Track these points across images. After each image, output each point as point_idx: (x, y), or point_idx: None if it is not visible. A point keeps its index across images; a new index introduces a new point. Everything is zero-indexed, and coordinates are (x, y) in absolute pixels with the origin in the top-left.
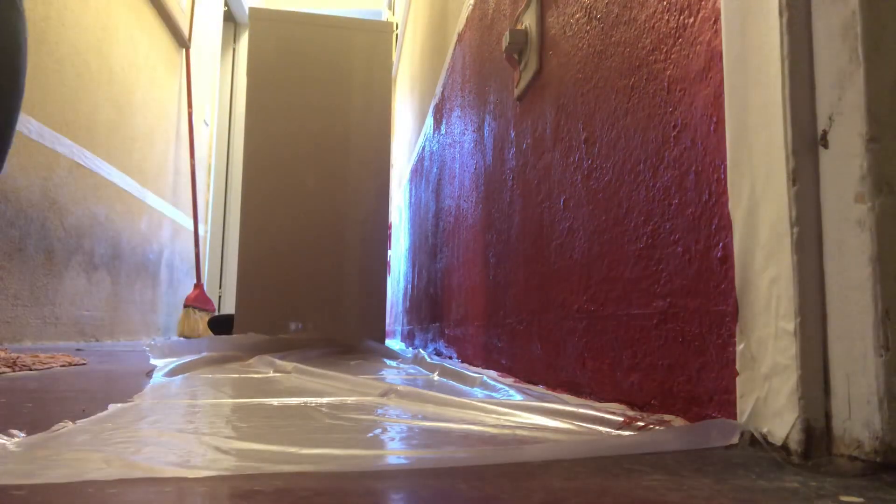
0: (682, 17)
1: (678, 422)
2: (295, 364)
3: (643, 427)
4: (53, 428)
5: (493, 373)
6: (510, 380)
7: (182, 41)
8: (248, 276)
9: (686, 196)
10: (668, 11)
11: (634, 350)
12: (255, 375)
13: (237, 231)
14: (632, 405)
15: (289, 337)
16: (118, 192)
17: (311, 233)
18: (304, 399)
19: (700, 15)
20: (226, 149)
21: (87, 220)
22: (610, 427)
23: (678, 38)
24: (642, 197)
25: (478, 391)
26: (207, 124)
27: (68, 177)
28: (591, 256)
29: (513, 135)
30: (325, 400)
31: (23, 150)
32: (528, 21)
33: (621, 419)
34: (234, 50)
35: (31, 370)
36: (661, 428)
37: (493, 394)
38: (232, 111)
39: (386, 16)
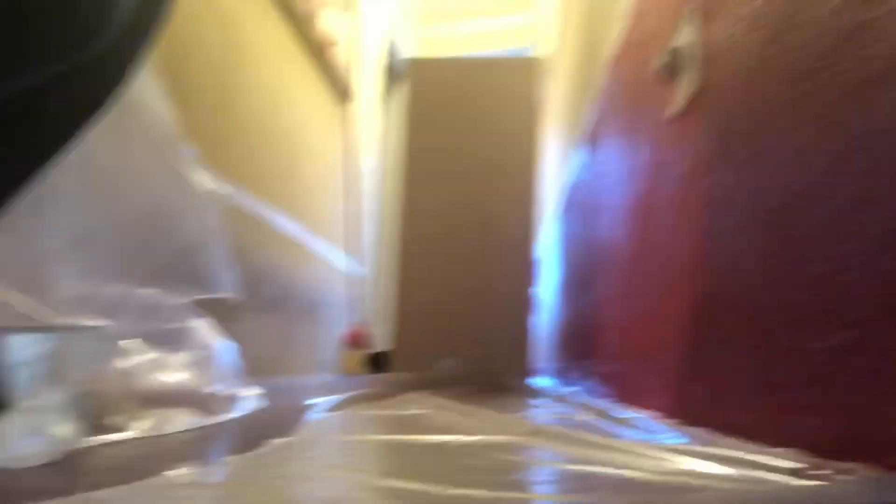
0: (862, 14)
1: (865, 471)
2: (443, 401)
3: (823, 476)
4: (215, 462)
5: (650, 413)
6: (669, 421)
7: (345, 95)
8: (403, 316)
9: (874, 212)
10: (844, 9)
11: (813, 388)
12: (405, 412)
13: (392, 271)
14: (809, 451)
15: (438, 374)
16: (288, 239)
17: (462, 270)
18: (451, 437)
19: (885, 7)
20: (384, 193)
21: (262, 266)
22: (784, 475)
23: (858, 37)
24: (818, 216)
25: (633, 433)
26: (368, 171)
27: (247, 227)
28: (760, 284)
29: (670, 158)
30: (471, 438)
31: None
32: (685, 37)
33: (797, 467)
34: (392, 100)
35: None
36: (845, 478)
37: (651, 436)
38: (390, 158)
39: (533, 51)
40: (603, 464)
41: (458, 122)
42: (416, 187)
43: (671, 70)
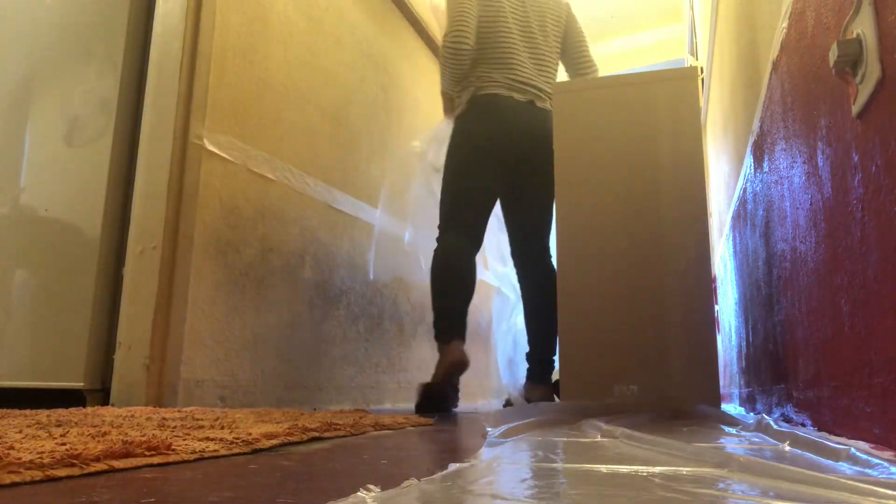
0: None
1: None
2: (622, 429)
3: None
4: (402, 485)
5: (862, 444)
6: (889, 453)
7: None
8: (569, 341)
9: None
10: None
11: None
12: (583, 440)
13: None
14: None
15: (615, 401)
16: None
17: (629, 294)
18: (635, 467)
19: None
20: None
21: (427, 296)
22: None
23: None
24: None
25: (844, 466)
26: None
27: (412, 260)
28: None
29: (856, 158)
30: (657, 469)
31: (378, 247)
32: (861, 27)
33: None
34: None
35: (389, 429)
36: None
37: (867, 470)
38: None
39: (688, 62)
40: (813, 501)
41: (613, 143)
42: (572, 211)
43: (847, 65)
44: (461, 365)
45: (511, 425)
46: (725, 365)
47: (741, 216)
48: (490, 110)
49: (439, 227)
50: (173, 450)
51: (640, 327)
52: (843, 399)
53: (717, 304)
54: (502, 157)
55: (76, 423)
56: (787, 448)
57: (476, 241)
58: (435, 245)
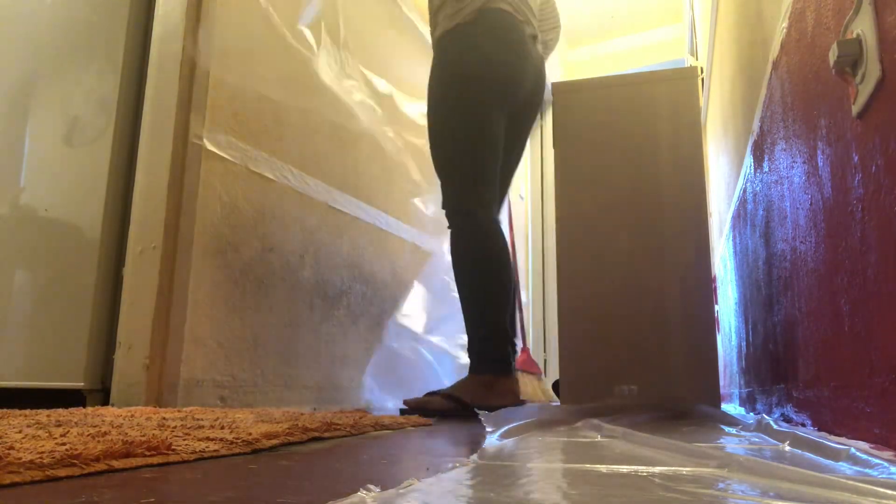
0: None
1: None
2: (623, 429)
3: None
4: (402, 485)
5: (862, 444)
6: (889, 453)
7: None
8: (570, 341)
9: None
10: None
11: None
12: (583, 440)
13: (555, 296)
14: None
15: (615, 401)
16: None
17: (629, 293)
18: (635, 467)
19: None
20: (540, 219)
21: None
22: None
23: None
24: None
25: (845, 466)
26: (522, 198)
27: (410, 259)
28: None
29: (856, 158)
30: (657, 469)
31: (378, 241)
32: (861, 27)
33: None
34: (541, 126)
35: (389, 429)
36: None
37: (868, 470)
38: (543, 183)
39: (688, 62)
40: (813, 501)
41: (613, 143)
42: (572, 211)
43: (847, 64)
44: (515, 404)
45: (511, 425)
46: (725, 365)
47: (741, 216)
48: (506, 35)
49: (461, 191)
50: (173, 450)
51: (640, 327)
52: (843, 399)
53: (717, 304)
54: (510, 100)
55: (76, 423)
56: (787, 448)
57: (498, 212)
58: (458, 223)
